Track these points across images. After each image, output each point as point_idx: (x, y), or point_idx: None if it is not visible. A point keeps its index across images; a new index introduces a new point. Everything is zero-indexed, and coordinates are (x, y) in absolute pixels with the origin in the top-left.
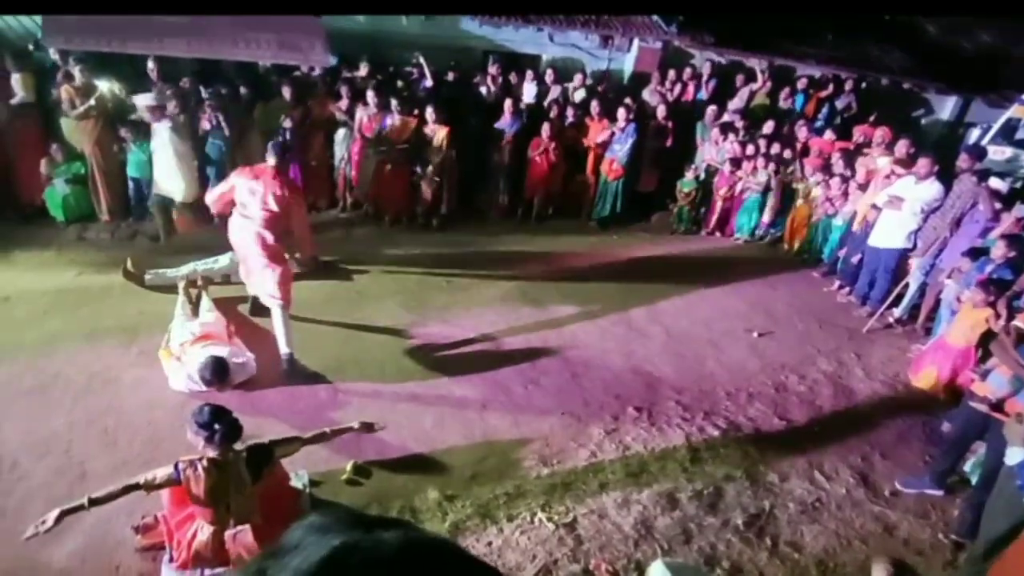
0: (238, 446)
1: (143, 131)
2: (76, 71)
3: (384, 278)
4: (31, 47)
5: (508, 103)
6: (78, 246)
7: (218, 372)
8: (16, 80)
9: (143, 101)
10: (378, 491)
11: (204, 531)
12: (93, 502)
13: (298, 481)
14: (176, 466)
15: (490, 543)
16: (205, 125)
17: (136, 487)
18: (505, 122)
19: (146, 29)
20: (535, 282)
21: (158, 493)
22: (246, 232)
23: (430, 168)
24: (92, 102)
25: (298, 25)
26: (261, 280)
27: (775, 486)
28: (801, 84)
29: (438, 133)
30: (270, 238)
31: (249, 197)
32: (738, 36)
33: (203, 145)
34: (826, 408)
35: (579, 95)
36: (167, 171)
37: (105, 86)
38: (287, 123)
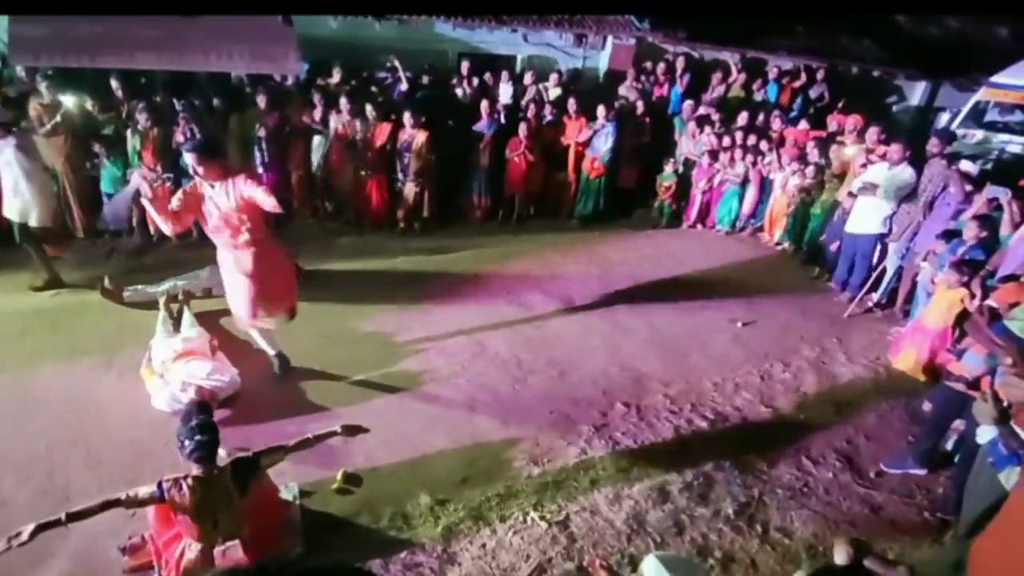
0: (223, 461)
1: (117, 146)
2: (43, 88)
3: (367, 284)
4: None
5: (484, 104)
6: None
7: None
8: None
9: None
10: (369, 499)
11: (192, 549)
12: (71, 517)
13: (288, 493)
14: (160, 484)
15: (483, 545)
16: (179, 138)
17: (117, 503)
18: (482, 124)
19: (116, 43)
20: (518, 282)
21: (144, 513)
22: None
23: (410, 173)
24: (59, 119)
25: (270, 34)
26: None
27: (764, 473)
28: (773, 74)
29: (417, 137)
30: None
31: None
32: (710, 31)
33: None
34: (811, 394)
35: (555, 94)
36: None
37: (72, 102)
38: (261, 132)
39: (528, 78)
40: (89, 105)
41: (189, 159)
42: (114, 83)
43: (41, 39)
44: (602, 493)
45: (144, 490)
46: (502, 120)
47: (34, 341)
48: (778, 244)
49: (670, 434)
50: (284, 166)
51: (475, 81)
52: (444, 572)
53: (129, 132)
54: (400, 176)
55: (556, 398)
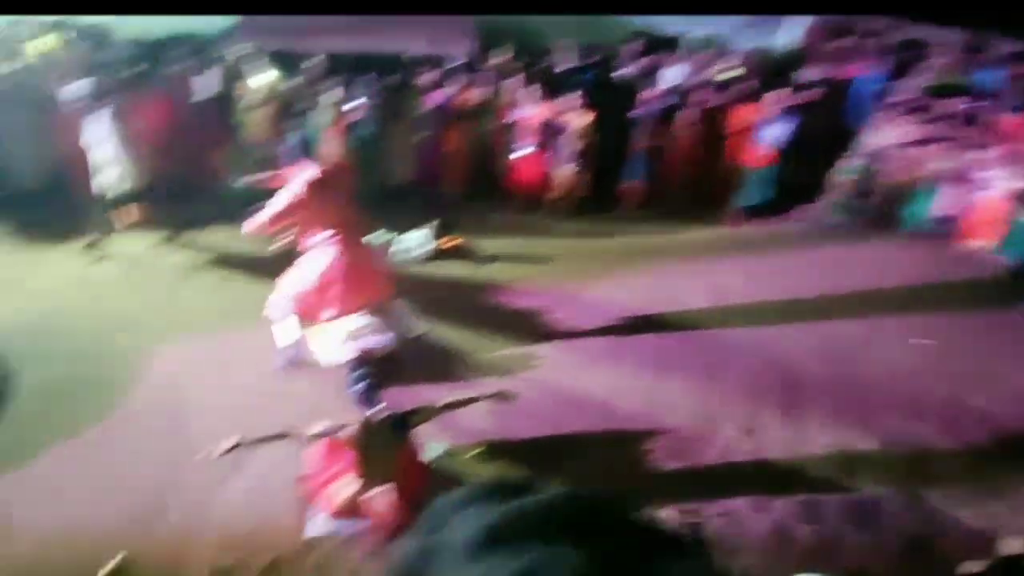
0: (383, 413)
1: (306, 121)
2: (250, 66)
3: (515, 262)
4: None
5: (651, 86)
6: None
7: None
8: (211, 75)
9: (81, 90)
10: (508, 470)
11: (350, 487)
12: (260, 440)
13: (434, 452)
14: (332, 424)
15: None
16: (357, 116)
17: (295, 435)
18: (647, 106)
19: (320, 27)
20: (673, 272)
21: (310, 451)
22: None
23: (569, 153)
24: (263, 95)
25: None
26: None
27: (941, 512)
28: (997, 57)
29: (582, 118)
30: None
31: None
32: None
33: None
34: (1012, 428)
35: (726, 76)
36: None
37: (275, 78)
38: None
39: (699, 59)
40: (289, 82)
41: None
42: (311, 62)
43: (268, 23)
44: (745, 500)
45: (318, 427)
46: (668, 103)
47: (229, 294)
48: (987, 254)
49: (828, 449)
50: (442, 143)
51: (643, 61)
52: None
53: (319, 108)
54: (557, 156)
55: (703, 395)
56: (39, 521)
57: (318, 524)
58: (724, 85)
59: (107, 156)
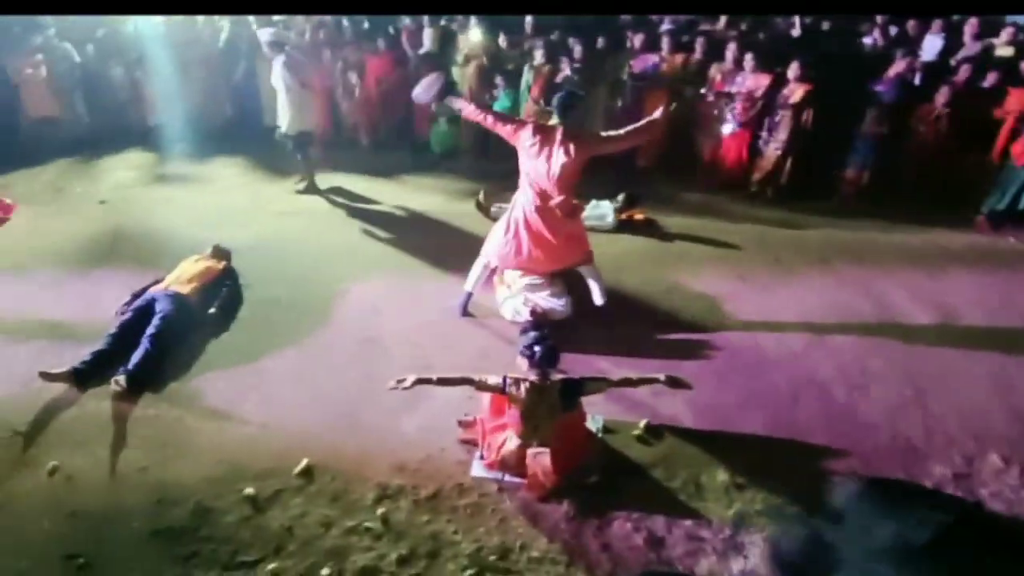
0: (555, 376)
1: (514, 79)
2: (458, 26)
3: (705, 244)
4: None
5: (898, 59)
6: (445, 175)
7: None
8: (427, 33)
9: (264, 36)
10: (665, 455)
11: (511, 442)
12: (441, 380)
13: (593, 424)
14: (504, 378)
15: None
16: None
17: (470, 382)
18: (887, 82)
19: None
20: (884, 278)
21: (480, 398)
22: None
23: (778, 131)
24: (468, 51)
25: None
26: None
27: None
28: None
29: (796, 91)
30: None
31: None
32: None
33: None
34: None
35: (1004, 52)
36: (280, 103)
37: (485, 37)
38: (627, 76)
39: (969, 30)
40: (501, 41)
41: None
42: (528, 20)
43: None
44: None
45: (492, 379)
46: (915, 81)
47: (419, 237)
48: None
49: None
50: (642, 111)
51: (892, 31)
52: (727, 557)
53: (526, 67)
54: (764, 134)
55: (905, 422)
56: (251, 414)
57: (479, 468)
58: (999, 63)
59: (281, 102)
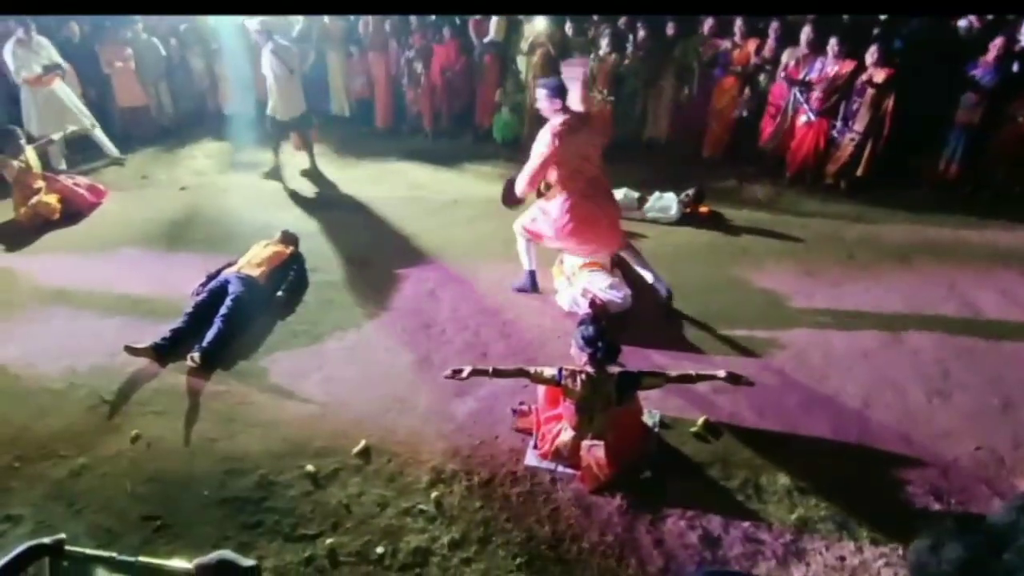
0: (612, 369)
1: None
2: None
3: (771, 238)
4: None
5: (998, 43)
6: (507, 164)
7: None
8: (493, 21)
9: (252, 25)
10: (724, 454)
11: (566, 433)
12: (496, 372)
13: (650, 419)
14: (560, 370)
15: (843, 558)
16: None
17: (526, 374)
18: (984, 67)
19: None
20: (971, 278)
21: (535, 387)
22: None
23: (855, 119)
24: (534, 39)
25: None
26: None
27: None
28: None
29: (875, 76)
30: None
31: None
32: None
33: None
34: None
35: None
36: (269, 90)
37: (545, 26)
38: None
39: None
40: (568, 28)
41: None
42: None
43: None
44: None
45: (548, 370)
46: (1013, 68)
47: (485, 225)
48: None
49: None
50: (710, 100)
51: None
52: (787, 563)
53: (591, 56)
54: (839, 123)
55: (990, 432)
56: (312, 393)
57: (533, 458)
58: None
59: (270, 89)
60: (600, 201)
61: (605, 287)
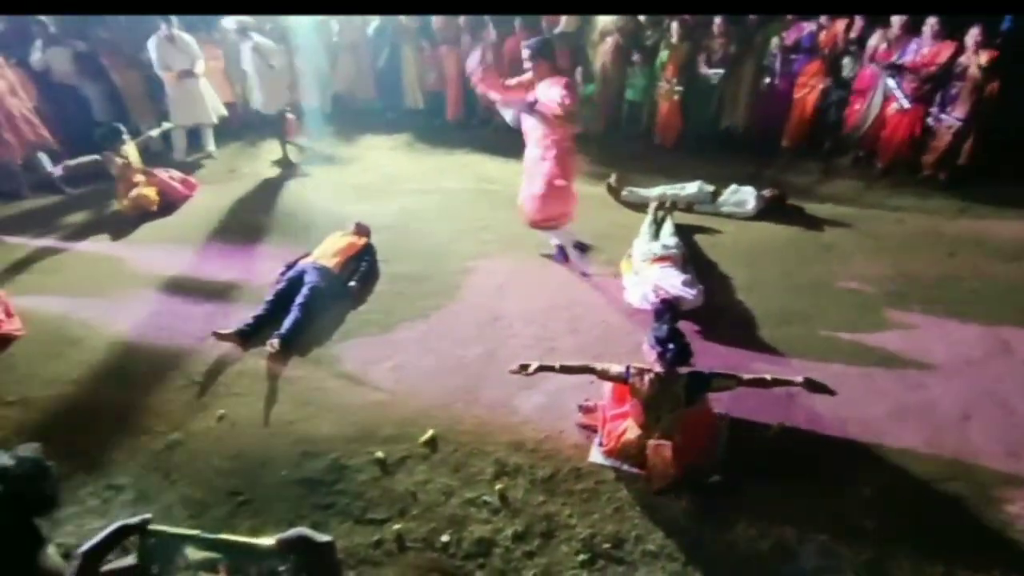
0: (682, 369)
1: (651, 57)
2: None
3: (859, 234)
4: None
5: None
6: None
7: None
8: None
9: (230, 24)
10: (800, 462)
11: (632, 431)
12: (564, 368)
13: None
14: (627, 368)
15: None
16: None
17: (592, 371)
18: None
19: None
20: None
21: (601, 383)
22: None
23: (954, 105)
24: (603, 27)
25: None
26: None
27: None
28: None
29: (976, 59)
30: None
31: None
32: None
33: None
34: None
35: None
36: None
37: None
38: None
39: None
40: (642, 17)
41: (525, 53)
42: None
43: None
44: None
45: (615, 368)
46: None
47: None
48: None
49: None
50: (792, 88)
51: None
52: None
53: (663, 44)
54: (935, 110)
55: None
56: (381, 381)
57: (597, 454)
58: None
59: (254, 84)
60: (544, 167)
61: (678, 284)
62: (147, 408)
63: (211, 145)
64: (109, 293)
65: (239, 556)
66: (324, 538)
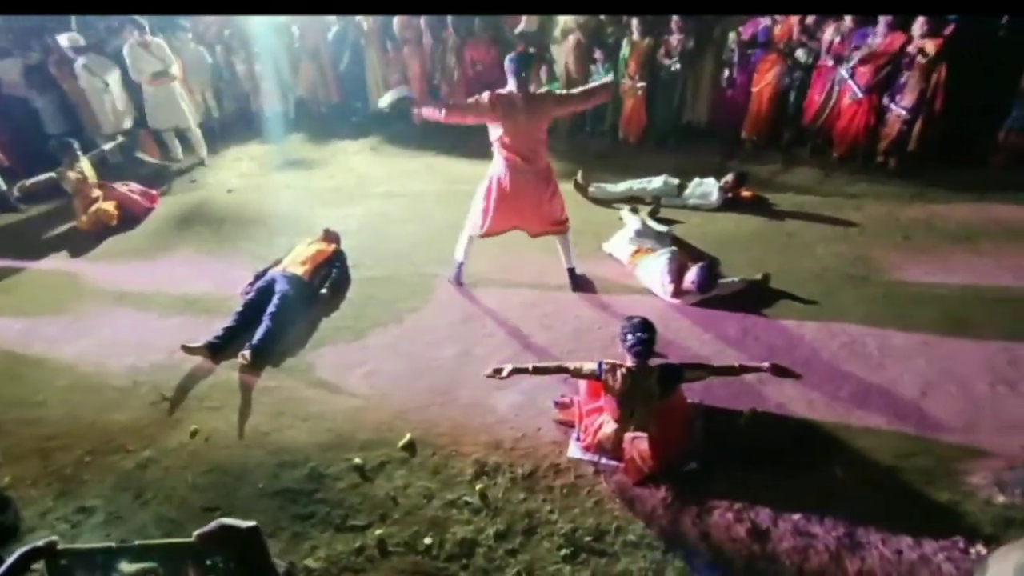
0: (653, 362)
1: (613, 54)
2: None
3: (820, 222)
4: None
5: None
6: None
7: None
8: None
9: (64, 42)
10: (773, 446)
11: (608, 426)
12: (536, 369)
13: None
14: (600, 364)
15: (899, 551)
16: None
17: (566, 370)
18: None
19: None
20: None
21: (576, 380)
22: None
23: (903, 94)
24: (565, 26)
25: None
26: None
27: None
28: None
29: (924, 47)
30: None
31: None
32: None
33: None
34: None
35: None
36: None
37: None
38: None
39: None
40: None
41: (508, 68)
42: None
43: None
44: None
45: (588, 366)
46: None
47: None
48: None
49: None
50: (750, 81)
51: None
52: (841, 557)
53: (624, 41)
54: (886, 98)
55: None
56: (356, 387)
57: (575, 450)
58: None
59: (93, 102)
60: (526, 185)
61: (655, 276)
62: (117, 427)
63: (179, 155)
64: (71, 310)
65: (172, 559)
66: (246, 524)
